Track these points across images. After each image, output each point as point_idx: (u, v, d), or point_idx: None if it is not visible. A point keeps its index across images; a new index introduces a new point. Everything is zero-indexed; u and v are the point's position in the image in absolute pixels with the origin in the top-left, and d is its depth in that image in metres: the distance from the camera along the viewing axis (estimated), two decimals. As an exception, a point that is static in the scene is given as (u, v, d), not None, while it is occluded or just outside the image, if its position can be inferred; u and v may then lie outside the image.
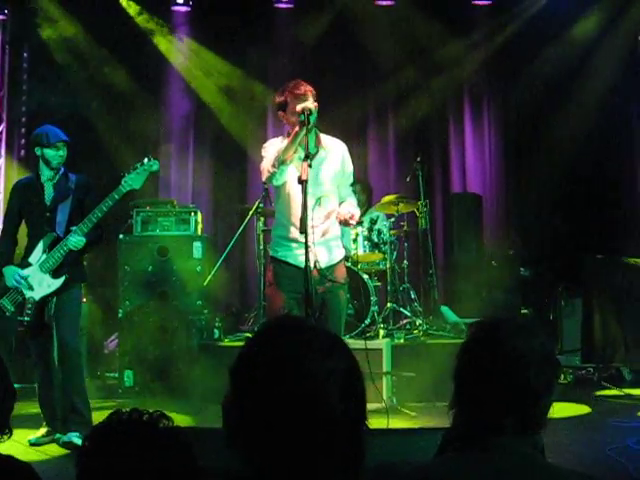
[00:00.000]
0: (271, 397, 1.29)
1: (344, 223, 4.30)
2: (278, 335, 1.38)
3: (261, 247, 7.43)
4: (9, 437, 2.55)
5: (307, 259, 3.86)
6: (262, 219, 7.47)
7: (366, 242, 7.12)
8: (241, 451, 1.34)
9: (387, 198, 7.47)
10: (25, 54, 9.38)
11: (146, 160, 4.98)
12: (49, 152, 5.01)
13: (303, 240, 3.95)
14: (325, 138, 4.45)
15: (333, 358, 1.35)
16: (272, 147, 4.37)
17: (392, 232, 7.36)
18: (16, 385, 2.57)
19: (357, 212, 4.32)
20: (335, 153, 4.44)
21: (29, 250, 5.02)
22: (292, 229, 4.29)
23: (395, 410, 5.73)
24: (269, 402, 1.29)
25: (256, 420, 1.31)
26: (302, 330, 1.40)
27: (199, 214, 7.28)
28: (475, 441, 1.73)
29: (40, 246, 4.97)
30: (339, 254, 4.47)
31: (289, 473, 1.29)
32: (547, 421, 1.78)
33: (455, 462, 1.73)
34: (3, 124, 9.25)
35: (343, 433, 1.31)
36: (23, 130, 9.36)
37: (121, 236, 7.04)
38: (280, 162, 4.18)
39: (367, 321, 6.72)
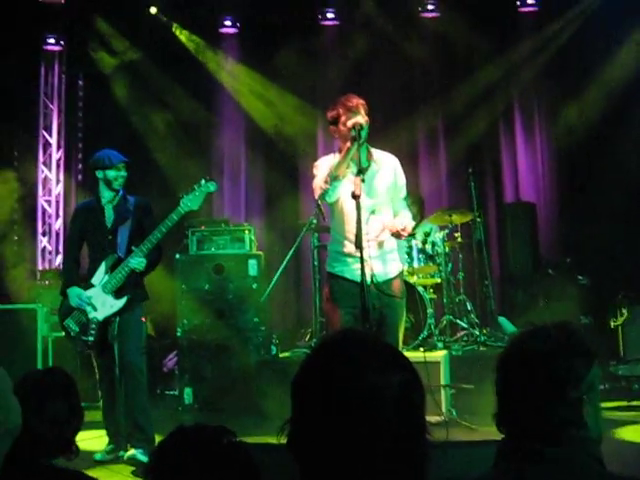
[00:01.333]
0: (331, 409, 1.31)
1: (396, 235, 4.29)
2: (338, 347, 1.39)
3: (316, 263, 7.47)
4: (75, 457, 2.62)
5: (363, 273, 3.87)
6: (316, 235, 7.52)
7: (420, 254, 7.10)
8: (302, 464, 1.35)
9: (440, 210, 7.44)
10: (80, 82, 9.65)
11: (203, 182, 5.07)
12: (111, 173, 5.13)
13: (359, 255, 3.96)
14: (376, 152, 4.46)
15: (393, 370, 1.36)
16: (324, 164, 4.39)
17: (446, 244, 7.32)
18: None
19: (410, 224, 4.32)
20: (387, 166, 4.44)
21: (91, 272, 5.15)
22: (347, 244, 4.31)
23: (455, 423, 5.68)
24: (329, 414, 1.31)
25: (316, 433, 1.32)
26: (362, 342, 1.41)
27: (253, 231, 7.36)
28: (533, 453, 1.71)
29: (102, 267, 5.09)
30: (395, 268, 4.46)
31: None
32: (601, 429, 1.75)
33: (515, 474, 1.71)
34: (61, 150, 9.52)
35: (403, 446, 1.32)
36: (80, 156, 9.62)
37: (177, 256, 7.15)
38: (333, 178, 4.19)
39: (424, 334, 6.69)
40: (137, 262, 4.97)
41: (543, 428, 1.72)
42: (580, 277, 8.02)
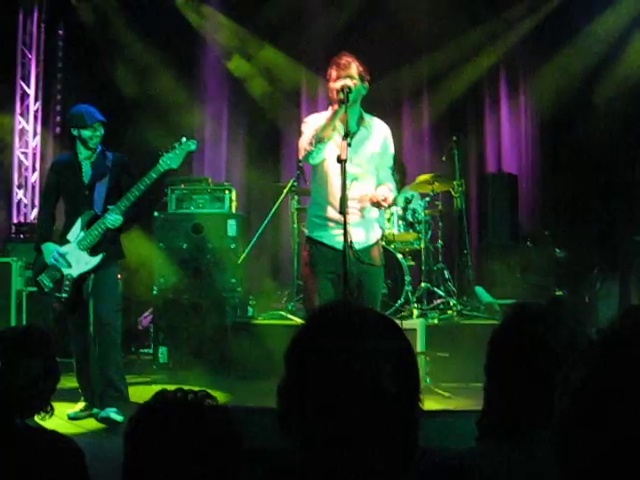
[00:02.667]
0: (325, 380, 1.28)
1: (376, 205, 4.26)
2: (330, 318, 1.37)
3: (295, 225, 7.43)
4: (51, 415, 2.60)
5: (346, 240, 3.84)
6: (296, 197, 7.47)
7: (400, 221, 7.08)
8: (295, 435, 1.33)
9: (422, 177, 7.40)
10: (60, 32, 9.42)
11: (184, 140, 5.01)
12: (86, 133, 5.04)
13: (341, 220, 3.92)
14: (368, 118, 4.39)
15: (385, 339, 1.34)
16: (313, 122, 4.30)
17: (427, 212, 7.31)
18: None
19: (391, 195, 4.26)
20: (377, 134, 4.39)
21: (67, 228, 5.07)
22: (329, 209, 4.26)
23: (429, 390, 5.70)
24: (323, 385, 1.29)
25: (311, 403, 1.30)
26: (354, 313, 1.39)
27: (233, 192, 7.28)
28: (515, 432, 1.70)
29: (78, 224, 5.01)
30: (375, 235, 4.44)
31: (342, 456, 1.28)
32: None
33: (500, 451, 1.70)
34: (39, 102, 9.32)
35: (397, 415, 1.30)
36: (58, 108, 9.43)
37: (156, 213, 7.07)
38: (318, 140, 4.12)
39: (401, 301, 6.70)
40: (113, 219, 4.90)
41: (524, 407, 1.70)
42: (557, 250, 8.06)
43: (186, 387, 1.69)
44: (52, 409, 2.57)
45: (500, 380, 1.78)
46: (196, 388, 1.68)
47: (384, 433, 1.29)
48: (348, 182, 4.03)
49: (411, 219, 7.12)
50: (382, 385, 1.28)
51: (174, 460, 1.59)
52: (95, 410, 4.98)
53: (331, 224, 4.27)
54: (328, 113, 4.25)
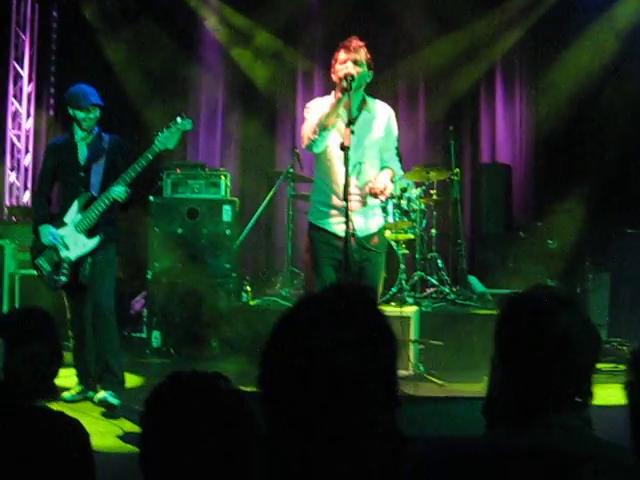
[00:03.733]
0: (291, 365, 1.32)
1: (374, 196, 4.28)
2: (312, 304, 1.40)
3: (290, 212, 7.43)
4: (57, 399, 2.59)
5: (348, 226, 3.85)
6: (292, 184, 7.47)
7: (396, 210, 7.08)
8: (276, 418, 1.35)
9: (418, 166, 7.41)
10: (54, 13, 9.35)
11: (179, 119, 4.96)
12: (80, 114, 4.99)
13: (343, 207, 3.93)
14: (371, 101, 4.40)
15: (356, 327, 1.35)
16: (316, 107, 4.29)
17: (422, 200, 7.32)
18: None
19: (390, 187, 4.27)
20: (380, 117, 4.39)
21: (64, 210, 5.04)
22: (333, 196, 4.27)
23: (422, 378, 5.75)
24: (289, 369, 1.32)
25: (279, 388, 1.33)
26: (334, 299, 1.40)
27: (229, 177, 7.27)
28: (529, 418, 1.71)
29: (75, 206, 4.99)
30: (377, 223, 4.46)
31: (322, 440, 1.30)
32: (592, 395, 1.77)
33: (509, 439, 1.72)
34: (32, 83, 9.25)
35: (373, 399, 1.32)
36: (52, 90, 9.36)
37: (151, 198, 7.05)
38: (322, 128, 4.13)
39: (394, 289, 6.73)
40: (119, 191, 4.85)
41: (538, 394, 1.72)
42: (550, 241, 8.10)
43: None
44: (58, 392, 2.57)
45: (507, 368, 1.79)
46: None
47: (360, 417, 1.30)
48: (351, 169, 4.04)
49: (406, 207, 7.11)
50: (353, 369, 1.29)
51: (189, 441, 1.60)
52: (91, 393, 4.98)
53: (334, 211, 4.28)
54: (331, 99, 4.25)
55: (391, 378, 1.37)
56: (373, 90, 4.46)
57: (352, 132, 3.94)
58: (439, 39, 8.86)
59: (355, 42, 4.18)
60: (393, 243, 6.87)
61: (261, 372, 1.40)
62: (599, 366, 1.75)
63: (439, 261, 7.43)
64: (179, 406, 1.60)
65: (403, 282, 6.82)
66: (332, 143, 4.20)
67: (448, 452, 1.66)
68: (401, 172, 4.60)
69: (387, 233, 6.90)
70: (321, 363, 1.29)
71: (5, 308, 6.70)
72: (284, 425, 1.34)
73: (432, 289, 7.24)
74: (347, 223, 3.86)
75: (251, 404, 1.72)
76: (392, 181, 4.36)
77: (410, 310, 6.18)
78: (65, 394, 4.99)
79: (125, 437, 4.38)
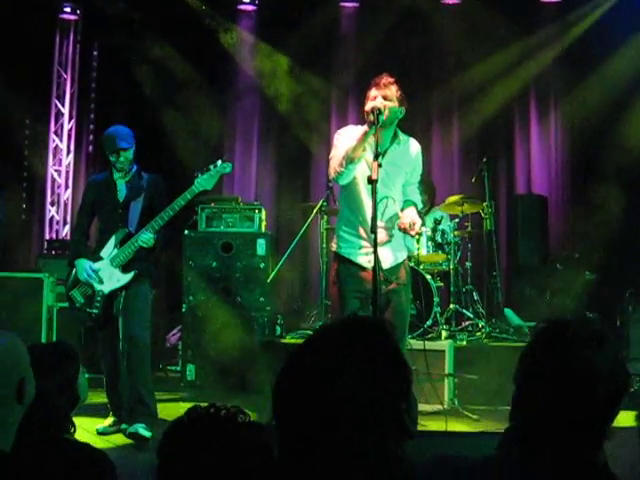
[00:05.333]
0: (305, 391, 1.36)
1: (404, 231, 4.29)
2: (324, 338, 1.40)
3: (324, 245, 7.44)
4: (74, 431, 2.61)
5: (376, 259, 3.85)
6: (326, 217, 7.49)
7: (429, 242, 7.07)
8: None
9: (452, 198, 7.39)
10: (95, 52, 9.59)
11: (219, 162, 5.06)
12: (111, 158, 5.15)
13: (370, 239, 3.94)
14: (404, 137, 4.43)
15: (362, 354, 1.36)
16: (346, 136, 4.33)
17: (456, 233, 7.28)
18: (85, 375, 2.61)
19: (418, 222, 4.28)
20: (410, 154, 4.43)
21: (101, 245, 5.14)
22: (360, 228, 4.29)
23: (457, 412, 5.67)
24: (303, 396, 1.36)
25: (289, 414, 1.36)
26: (335, 330, 1.41)
27: (263, 211, 7.32)
28: (537, 446, 1.68)
29: (112, 241, 5.08)
30: (402, 255, 4.47)
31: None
32: (611, 433, 1.72)
33: (519, 462, 1.68)
34: (73, 120, 9.48)
35: (379, 427, 1.32)
36: (91, 127, 9.58)
37: (186, 232, 7.11)
38: (348, 161, 4.16)
39: (429, 322, 6.68)
40: (146, 238, 4.96)
41: (549, 425, 1.68)
42: (588, 273, 7.98)
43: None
44: (73, 426, 2.57)
45: (529, 397, 1.76)
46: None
47: (357, 445, 1.30)
48: (378, 202, 4.05)
49: (440, 240, 7.10)
50: (355, 398, 1.31)
51: (207, 476, 1.60)
52: (124, 426, 5.00)
53: (360, 242, 4.29)
54: (361, 129, 4.28)
55: (399, 407, 1.36)
56: (406, 120, 4.47)
57: (380, 165, 3.95)
58: (471, 69, 8.87)
59: (386, 79, 4.22)
60: (427, 276, 6.84)
61: (274, 398, 1.41)
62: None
63: (474, 294, 7.36)
64: (195, 440, 1.61)
65: (438, 315, 6.77)
66: (359, 175, 4.23)
67: (451, 470, 1.65)
68: (421, 205, 4.61)
69: (421, 266, 6.89)
70: (325, 387, 1.29)
71: (44, 339, 6.79)
72: (295, 453, 1.35)
73: (467, 322, 7.17)
74: (375, 255, 3.85)
75: (270, 437, 1.72)
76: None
77: (444, 343, 6.12)
78: (98, 426, 5.04)
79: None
